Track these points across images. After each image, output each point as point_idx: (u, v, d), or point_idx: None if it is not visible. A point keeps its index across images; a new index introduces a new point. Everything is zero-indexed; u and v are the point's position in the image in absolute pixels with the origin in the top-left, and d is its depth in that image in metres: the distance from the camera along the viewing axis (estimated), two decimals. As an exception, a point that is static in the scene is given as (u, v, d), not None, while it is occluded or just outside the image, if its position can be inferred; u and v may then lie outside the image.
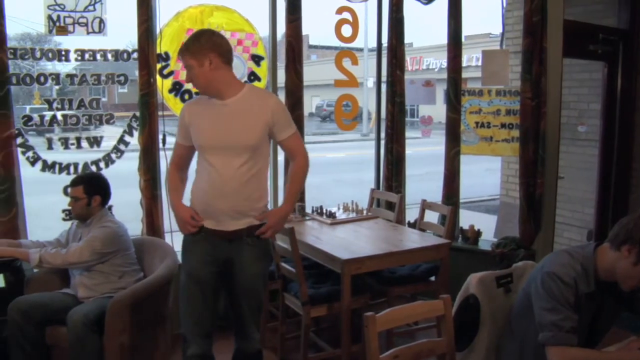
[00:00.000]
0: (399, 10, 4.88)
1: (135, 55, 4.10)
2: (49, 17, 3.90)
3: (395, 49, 4.93)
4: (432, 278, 4.10)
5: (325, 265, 3.69)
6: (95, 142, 4.11)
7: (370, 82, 21.77)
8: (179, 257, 3.54)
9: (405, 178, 5.12)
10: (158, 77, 4.21)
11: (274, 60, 4.64)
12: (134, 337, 3.18)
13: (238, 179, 2.84)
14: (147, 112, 4.10)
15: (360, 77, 5.47)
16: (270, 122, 2.88)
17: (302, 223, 4.38)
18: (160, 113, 4.20)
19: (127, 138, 4.19)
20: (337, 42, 4.94)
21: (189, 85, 4.31)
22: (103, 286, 3.43)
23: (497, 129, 4.96)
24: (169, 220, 4.24)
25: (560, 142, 4.70)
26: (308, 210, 4.62)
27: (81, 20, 3.97)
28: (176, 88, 4.35)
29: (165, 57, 4.27)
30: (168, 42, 4.26)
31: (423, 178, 9.39)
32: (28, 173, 3.93)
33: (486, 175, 11.24)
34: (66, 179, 3.89)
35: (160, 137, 4.21)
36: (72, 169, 4.05)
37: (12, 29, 3.85)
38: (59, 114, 4.01)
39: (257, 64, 4.59)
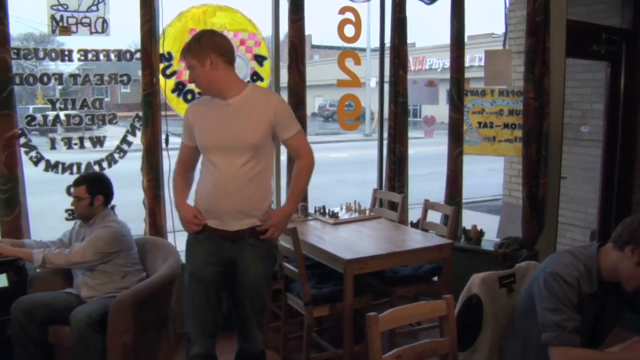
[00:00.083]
0: (402, 10, 4.88)
1: (138, 55, 4.10)
2: (52, 17, 3.91)
3: (398, 49, 4.93)
4: (435, 278, 4.10)
5: (328, 265, 3.69)
6: (98, 142, 4.11)
7: (373, 82, 21.74)
8: (182, 257, 3.55)
9: (408, 178, 5.12)
10: (161, 77, 4.22)
11: (276, 60, 4.65)
12: (137, 337, 3.18)
13: (240, 178, 2.84)
14: (150, 112, 4.10)
15: (362, 77, 5.46)
16: (273, 121, 2.88)
17: (305, 223, 4.38)
18: (163, 113, 4.21)
19: (130, 138, 4.20)
20: (339, 42, 4.95)
21: (191, 85, 4.31)
22: (106, 286, 3.44)
23: (499, 129, 4.95)
24: (171, 220, 4.24)
25: (563, 142, 4.69)
26: (311, 210, 4.62)
27: (84, 20, 3.97)
28: (179, 88, 4.35)
29: (168, 57, 4.27)
30: (171, 42, 4.27)
31: (426, 178, 9.41)
32: (31, 173, 3.93)
33: (489, 175, 11.24)
34: (69, 178, 3.89)
35: (163, 137, 4.21)
36: (75, 168, 4.05)
37: (16, 29, 3.85)
38: (62, 114, 4.02)
39: (260, 64, 4.59)
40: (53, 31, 3.96)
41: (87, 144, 4.08)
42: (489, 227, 5.46)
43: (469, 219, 5.28)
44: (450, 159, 4.98)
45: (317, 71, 17.23)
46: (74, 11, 3.95)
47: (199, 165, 3.08)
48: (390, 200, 4.93)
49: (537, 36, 4.49)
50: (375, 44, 5.41)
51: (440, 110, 6.10)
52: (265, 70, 4.62)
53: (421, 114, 19.35)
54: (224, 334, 3.19)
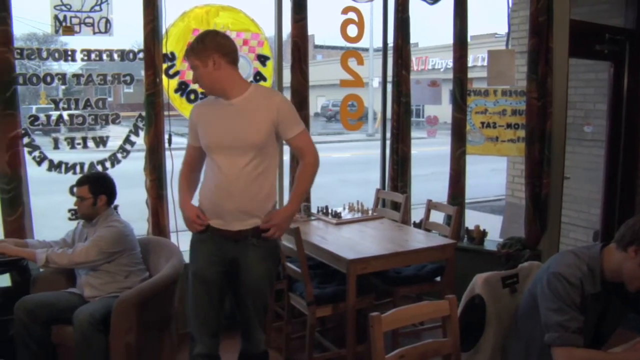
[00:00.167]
0: (405, 10, 4.88)
1: (141, 55, 4.11)
2: (56, 17, 3.91)
3: (401, 49, 4.93)
4: (438, 278, 4.10)
5: (331, 265, 3.69)
6: (101, 141, 4.11)
7: (376, 82, 21.78)
8: (185, 257, 3.56)
9: (411, 178, 5.12)
10: (164, 77, 4.22)
11: (279, 60, 4.65)
12: (140, 337, 3.19)
13: (244, 178, 2.84)
14: (153, 112, 4.11)
15: (365, 77, 5.46)
16: (276, 120, 2.88)
17: (308, 223, 4.38)
18: (166, 113, 4.21)
19: (133, 138, 4.20)
20: (342, 42, 4.95)
21: (194, 85, 4.32)
22: (109, 286, 3.44)
23: (502, 129, 4.95)
24: (174, 220, 4.25)
25: (566, 142, 4.68)
26: (313, 210, 4.62)
27: (87, 20, 3.97)
28: (182, 88, 4.35)
29: (171, 57, 4.27)
30: (174, 42, 4.27)
31: (429, 178, 9.36)
32: (34, 173, 3.94)
33: (492, 175, 11.23)
34: (72, 178, 3.89)
35: (166, 137, 4.21)
36: (78, 168, 4.06)
37: (19, 29, 3.86)
38: (65, 114, 4.02)
39: (263, 64, 4.60)
40: (56, 31, 3.97)
41: (90, 143, 4.08)
42: (492, 227, 5.46)
43: (472, 219, 5.28)
44: (453, 159, 4.98)
45: (320, 71, 17.23)
46: (77, 11, 3.95)
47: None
48: (393, 201, 4.93)
49: (540, 36, 4.48)
50: (378, 44, 5.42)
51: (443, 110, 6.09)
52: (268, 70, 4.62)
53: (424, 114, 19.33)
54: (226, 334, 3.19)
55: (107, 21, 4.03)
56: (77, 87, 4.65)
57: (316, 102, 30.81)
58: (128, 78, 4.15)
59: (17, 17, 3.76)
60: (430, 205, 4.59)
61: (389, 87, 5.13)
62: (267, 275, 3.01)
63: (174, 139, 4.29)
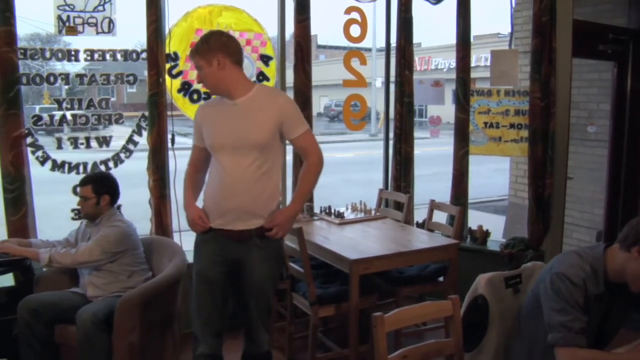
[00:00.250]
0: (408, 10, 4.87)
1: (144, 55, 4.11)
2: (59, 18, 3.92)
3: (403, 49, 4.92)
4: (441, 278, 4.10)
5: (334, 265, 3.69)
6: (105, 141, 4.12)
7: (379, 82, 21.80)
8: (188, 257, 3.56)
9: (414, 178, 5.12)
10: (167, 77, 4.22)
11: (282, 60, 4.65)
12: (143, 337, 3.19)
13: (247, 178, 2.85)
14: (156, 111, 4.11)
15: (368, 77, 5.47)
16: (280, 120, 2.88)
17: (311, 223, 4.38)
18: (169, 113, 4.21)
19: (136, 138, 4.21)
20: (345, 42, 4.95)
21: (197, 85, 4.32)
22: (112, 285, 3.45)
23: (505, 129, 4.94)
24: (177, 219, 4.25)
25: (570, 142, 4.68)
26: (316, 210, 4.62)
27: (90, 20, 3.98)
28: (185, 88, 4.36)
29: (174, 57, 4.28)
30: (177, 42, 4.28)
31: (431, 178, 9.40)
32: (38, 172, 3.95)
33: (495, 175, 11.22)
34: (75, 178, 3.90)
35: (169, 136, 4.22)
36: (81, 168, 4.06)
37: (22, 29, 3.87)
38: (68, 114, 4.03)
39: (266, 64, 4.60)
40: (60, 31, 3.97)
41: (94, 143, 4.09)
42: (495, 228, 5.46)
43: (475, 219, 5.27)
44: (456, 159, 4.97)
45: (323, 71, 17.26)
46: (81, 11, 3.96)
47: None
48: (396, 201, 4.93)
49: (544, 36, 4.48)
50: (381, 44, 5.42)
51: (446, 111, 6.08)
52: (271, 70, 4.62)
53: (427, 114, 19.30)
54: (229, 334, 3.20)
55: (110, 21, 4.04)
56: (80, 87, 4.66)
57: (319, 102, 30.80)
58: (131, 78, 4.15)
59: (20, 17, 3.78)
60: (433, 206, 4.59)
61: (392, 87, 5.13)
62: (270, 276, 3.02)
63: (177, 138, 4.30)
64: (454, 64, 5.07)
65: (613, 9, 5.43)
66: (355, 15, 4.83)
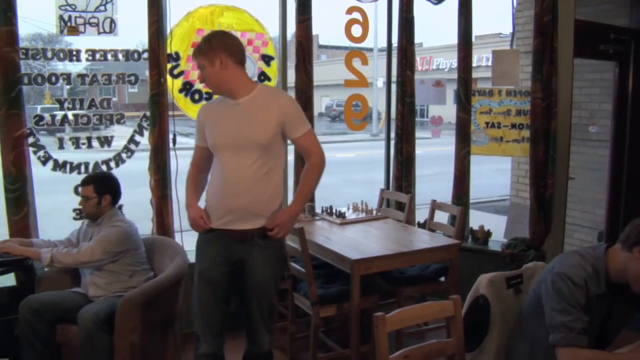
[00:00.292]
0: (409, 10, 4.87)
1: (145, 55, 4.11)
2: (60, 18, 3.92)
3: (405, 48, 4.93)
4: (442, 278, 4.10)
5: (335, 265, 3.69)
6: (106, 141, 4.13)
7: (380, 82, 21.76)
8: (189, 257, 3.56)
9: (415, 178, 5.12)
10: (168, 77, 4.23)
11: (284, 60, 4.65)
12: (144, 336, 3.19)
13: (249, 178, 2.85)
14: (158, 111, 4.11)
15: (370, 77, 5.46)
16: (282, 120, 2.89)
17: (312, 223, 4.38)
18: (170, 113, 4.22)
19: (137, 138, 4.20)
20: (347, 42, 4.95)
21: (199, 85, 4.33)
22: (113, 285, 3.45)
23: (507, 129, 4.94)
24: (179, 219, 4.25)
25: (571, 142, 4.68)
26: (318, 210, 4.62)
27: (92, 20, 3.98)
28: (186, 88, 4.36)
29: (176, 57, 4.28)
30: (178, 42, 4.28)
31: (433, 178, 9.40)
32: (39, 172, 3.95)
33: (496, 175, 11.22)
34: (77, 178, 3.90)
35: (171, 136, 4.22)
36: (82, 168, 4.07)
37: (24, 29, 3.87)
38: (70, 114, 4.04)
39: (267, 64, 4.60)
40: (61, 31, 3.98)
41: (95, 143, 4.09)
42: (497, 228, 5.45)
43: (476, 220, 5.27)
44: (458, 159, 4.97)
45: (325, 71, 17.24)
46: (82, 11, 3.96)
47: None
48: (398, 201, 4.93)
49: (545, 36, 4.48)
50: (383, 44, 5.42)
51: (448, 111, 6.08)
52: (273, 70, 4.62)
53: (428, 114, 19.30)
54: (231, 334, 3.19)
55: (112, 21, 4.04)
56: (82, 87, 4.67)
57: (320, 102, 30.81)
58: (132, 78, 4.15)
59: (22, 17, 3.78)
60: (435, 206, 4.59)
61: (394, 87, 5.13)
62: (273, 276, 3.02)
63: (179, 138, 4.30)
64: (455, 64, 5.07)
65: (615, 8, 5.42)
66: (356, 15, 4.83)
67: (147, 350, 3.25)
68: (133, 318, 3.13)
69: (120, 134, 4.32)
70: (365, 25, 4.88)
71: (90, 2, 3.96)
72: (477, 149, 5.04)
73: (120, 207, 3.81)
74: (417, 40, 4.97)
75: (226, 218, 2.91)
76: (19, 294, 3.36)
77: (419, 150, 5.12)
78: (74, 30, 3.96)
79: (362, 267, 3.49)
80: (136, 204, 4.34)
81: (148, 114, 4.15)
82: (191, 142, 3.15)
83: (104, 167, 4.09)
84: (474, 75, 4.97)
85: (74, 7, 3.93)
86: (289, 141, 3.05)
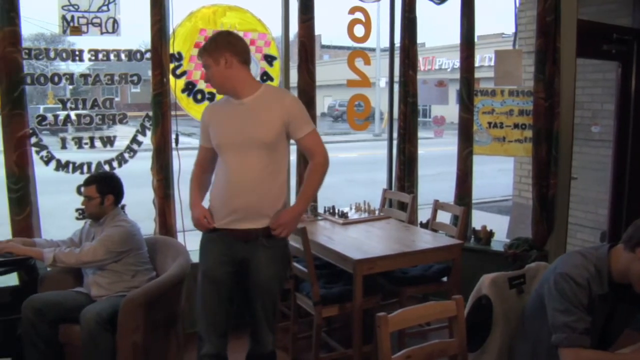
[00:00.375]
0: (412, 10, 4.88)
1: (148, 55, 4.12)
2: (63, 18, 3.93)
3: (407, 49, 4.93)
4: (444, 279, 4.10)
5: (337, 265, 3.70)
6: (109, 141, 4.12)
7: (383, 82, 21.77)
8: (192, 257, 3.57)
9: (418, 178, 5.12)
10: (171, 77, 4.23)
11: (286, 60, 4.65)
12: (147, 336, 3.19)
13: (253, 177, 2.86)
14: (160, 111, 4.11)
15: (372, 77, 5.45)
16: (287, 120, 2.90)
17: (315, 223, 4.38)
18: (173, 113, 4.22)
19: (140, 138, 4.21)
20: (349, 42, 4.94)
21: (201, 85, 4.33)
22: (116, 285, 3.45)
23: (509, 129, 4.94)
24: (181, 219, 4.26)
25: (574, 142, 4.67)
26: (320, 210, 4.62)
27: (95, 20, 3.99)
28: (189, 88, 4.36)
29: (178, 57, 4.28)
30: (181, 42, 4.28)
31: (435, 178, 9.39)
32: (42, 172, 3.95)
33: (499, 175, 11.21)
34: (80, 178, 3.91)
35: (173, 136, 4.22)
36: (85, 168, 4.07)
37: (27, 30, 3.87)
38: (72, 114, 4.04)
39: (270, 64, 4.60)
40: (64, 31, 3.98)
41: (98, 143, 4.09)
42: (499, 228, 5.45)
43: (479, 220, 5.27)
44: (460, 159, 4.97)
45: (327, 71, 17.24)
46: (85, 11, 3.96)
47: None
48: (400, 201, 4.93)
49: (548, 36, 4.47)
50: (385, 44, 5.41)
51: (450, 111, 6.09)
52: (275, 70, 4.62)
53: (431, 114, 19.32)
54: (234, 334, 3.19)
55: (115, 21, 4.04)
56: (85, 87, 4.66)
57: (323, 102, 30.80)
58: (135, 78, 4.16)
59: (25, 17, 3.78)
60: (437, 206, 4.59)
61: (396, 87, 5.13)
62: (277, 276, 3.02)
63: (181, 138, 4.30)
64: (458, 64, 5.07)
65: (617, 8, 5.42)
66: (359, 15, 4.83)
67: (150, 350, 3.25)
68: (135, 318, 3.14)
69: (123, 134, 4.32)
70: (367, 25, 4.88)
71: (92, 2, 3.96)
72: (480, 149, 5.03)
73: (122, 207, 3.81)
74: (419, 40, 4.97)
75: (230, 217, 2.91)
76: (22, 293, 3.37)
77: (421, 150, 5.13)
78: (76, 31, 3.96)
79: (364, 267, 3.49)
80: (139, 203, 4.34)
81: (150, 113, 4.15)
82: (194, 142, 3.16)
83: (106, 167, 4.10)
84: (477, 75, 4.97)
85: (76, 7, 3.94)
86: (291, 141, 3.05)
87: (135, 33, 4.41)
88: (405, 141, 5.00)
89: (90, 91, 15.98)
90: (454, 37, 4.91)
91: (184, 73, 4.33)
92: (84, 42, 4.08)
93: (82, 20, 3.96)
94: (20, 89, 3.73)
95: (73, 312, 3.23)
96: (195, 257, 3.24)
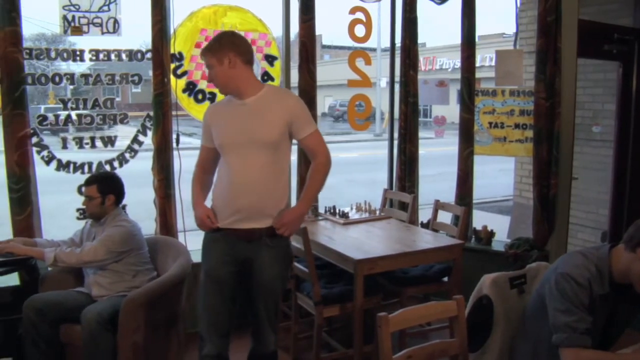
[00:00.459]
0: (412, 10, 4.87)
1: (149, 55, 4.12)
2: (64, 18, 3.93)
3: (408, 48, 4.93)
4: (445, 279, 4.10)
5: (338, 265, 3.69)
6: (110, 141, 4.12)
7: (384, 82, 21.76)
8: (192, 257, 3.57)
9: (419, 178, 5.12)
10: (172, 77, 4.23)
11: (287, 60, 4.65)
12: (148, 336, 3.20)
13: (257, 177, 2.86)
14: (161, 111, 4.12)
15: (373, 77, 5.45)
16: (290, 120, 2.91)
17: (315, 223, 4.38)
18: (174, 113, 4.22)
19: (140, 137, 4.21)
20: (350, 42, 4.94)
21: (202, 85, 4.33)
22: (117, 285, 3.45)
23: (510, 130, 4.94)
24: (182, 219, 4.26)
25: (575, 142, 4.67)
26: (321, 210, 4.62)
27: (96, 20, 3.99)
28: (190, 88, 4.36)
29: (179, 57, 4.28)
30: (182, 42, 4.28)
31: (436, 178, 9.37)
32: (43, 172, 3.95)
33: (499, 175, 11.21)
34: (80, 178, 3.91)
35: (174, 136, 4.22)
36: (86, 168, 4.07)
37: (28, 30, 3.88)
38: (73, 114, 4.04)
39: (271, 64, 4.60)
40: (65, 31, 3.98)
41: (99, 143, 4.10)
42: (500, 228, 5.44)
43: (480, 220, 5.27)
44: (461, 159, 4.97)
45: (328, 71, 17.24)
46: (86, 11, 3.96)
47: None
48: (401, 201, 4.93)
49: (549, 36, 4.47)
50: (386, 44, 5.43)
51: (451, 111, 6.08)
52: (276, 70, 4.62)
53: (432, 114, 19.30)
54: (235, 333, 3.19)
55: (116, 21, 4.04)
56: (86, 87, 4.67)
57: (324, 102, 30.81)
58: (136, 78, 4.16)
59: (26, 17, 3.78)
60: (438, 206, 4.59)
61: (397, 87, 5.13)
62: (280, 276, 3.03)
63: (182, 138, 4.30)
64: (458, 64, 5.07)
65: (618, 8, 5.41)
66: (360, 15, 4.83)
67: (150, 350, 3.25)
68: (136, 318, 3.14)
69: (124, 133, 4.32)
70: (368, 25, 4.88)
71: (93, 2, 3.96)
72: (481, 149, 5.03)
73: (123, 207, 3.81)
74: (420, 40, 4.97)
75: (234, 217, 2.92)
76: (23, 293, 3.37)
77: (422, 150, 5.12)
78: (77, 31, 3.96)
79: (365, 267, 3.49)
80: (139, 203, 4.34)
81: (151, 113, 4.15)
82: (194, 141, 3.16)
83: (107, 167, 4.10)
84: (477, 75, 4.97)
85: (77, 7, 3.94)
86: (293, 141, 3.06)
87: (136, 33, 4.41)
88: (406, 141, 5.00)
89: (91, 91, 15.99)
90: (455, 37, 4.92)
91: (184, 73, 4.33)
92: (85, 42, 4.09)
93: (83, 20, 3.96)
94: (21, 89, 3.73)
95: (74, 312, 3.23)
96: (195, 257, 3.24)
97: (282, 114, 2.89)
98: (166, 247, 3.84)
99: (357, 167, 14.64)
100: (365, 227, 4.30)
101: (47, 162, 3.98)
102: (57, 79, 3.97)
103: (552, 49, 4.47)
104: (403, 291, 3.94)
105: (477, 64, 5.07)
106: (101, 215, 3.56)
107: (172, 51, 4.20)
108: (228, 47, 2.87)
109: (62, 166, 4.03)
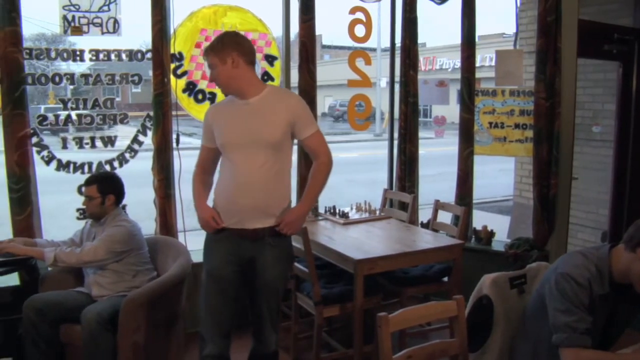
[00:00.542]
0: (412, 10, 4.87)
1: (149, 55, 4.12)
2: (64, 18, 3.93)
3: (408, 49, 4.92)
4: (445, 279, 4.09)
5: (338, 265, 3.69)
6: (110, 141, 4.12)
7: (384, 82, 21.76)
8: (192, 257, 3.57)
9: (419, 178, 5.12)
10: (172, 77, 4.23)
11: (287, 60, 4.65)
12: (148, 336, 3.20)
13: (259, 177, 2.87)
14: (161, 111, 4.12)
15: (373, 77, 5.45)
16: (292, 121, 2.91)
17: (315, 223, 4.38)
18: (174, 113, 4.22)
19: (140, 138, 4.21)
20: (350, 42, 4.94)
21: (202, 85, 4.33)
22: (117, 285, 3.45)
23: (510, 130, 4.94)
24: (182, 219, 4.26)
25: (575, 142, 4.67)
26: (321, 210, 4.62)
27: (96, 20, 3.99)
28: (190, 88, 4.36)
29: (179, 57, 4.28)
30: (182, 42, 4.28)
31: (436, 178, 9.37)
32: (43, 172, 3.95)
33: (499, 175, 11.21)
34: (80, 178, 3.91)
35: (174, 136, 4.22)
36: (86, 168, 4.07)
37: (28, 30, 3.88)
38: (73, 114, 4.04)
39: (271, 64, 4.60)
40: (65, 31, 3.98)
41: (99, 143, 4.09)
42: (500, 228, 5.44)
43: (480, 220, 5.27)
44: (461, 159, 4.97)
45: (328, 71, 17.23)
46: (86, 11, 3.96)
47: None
48: (401, 201, 4.93)
49: (549, 36, 4.47)
50: (386, 44, 5.43)
51: (451, 111, 6.08)
52: (276, 70, 4.62)
53: (432, 114, 19.29)
54: (236, 333, 3.19)
55: (116, 21, 4.04)
56: (86, 87, 4.67)
57: (324, 102, 30.81)
58: (136, 78, 4.16)
59: (26, 17, 3.78)
60: (438, 206, 4.58)
61: (397, 87, 5.13)
62: (282, 275, 3.04)
63: (182, 138, 4.30)
64: (458, 64, 5.07)
65: (618, 8, 5.41)
66: (360, 15, 4.83)
67: (151, 350, 3.25)
68: (136, 318, 3.14)
69: (124, 133, 4.32)
70: (368, 25, 4.87)
71: (93, 2, 3.96)
72: (481, 149, 5.03)
73: (123, 207, 3.81)
74: (420, 40, 4.97)
75: (237, 217, 2.92)
76: (23, 293, 3.37)
77: (422, 150, 5.12)
78: (77, 31, 3.96)
79: (365, 267, 3.49)
80: (140, 203, 4.34)
81: (151, 113, 4.15)
82: (194, 142, 3.16)
83: (107, 167, 4.10)
84: (477, 75, 4.97)
85: (77, 7, 3.94)
86: (295, 141, 3.06)
87: (136, 33, 4.41)
88: (406, 141, 5.00)
89: (91, 91, 16.00)
90: (455, 37, 4.92)
91: (184, 73, 4.33)
92: (85, 42, 4.09)
93: (83, 20, 3.96)
94: (21, 89, 3.73)
95: (74, 312, 3.23)
96: (195, 257, 3.24)
97: (285, 114, 2.90)
98: (166, 247, 3.84)
99: (357, 167, 14.63)
100: (365, 227, 4.30)
101: (47, 162, 3.98)
102: (57, 79, 3.97)
103: (552, 49, 4.47)
104: (403, 291, 3.94)
105: (477, 64, 5.07)
106: (101, 215, 3.56)
107: (172, 51, 4.20)
108: (231, 47, 2.87)
109: (62, 166, 4.02)
